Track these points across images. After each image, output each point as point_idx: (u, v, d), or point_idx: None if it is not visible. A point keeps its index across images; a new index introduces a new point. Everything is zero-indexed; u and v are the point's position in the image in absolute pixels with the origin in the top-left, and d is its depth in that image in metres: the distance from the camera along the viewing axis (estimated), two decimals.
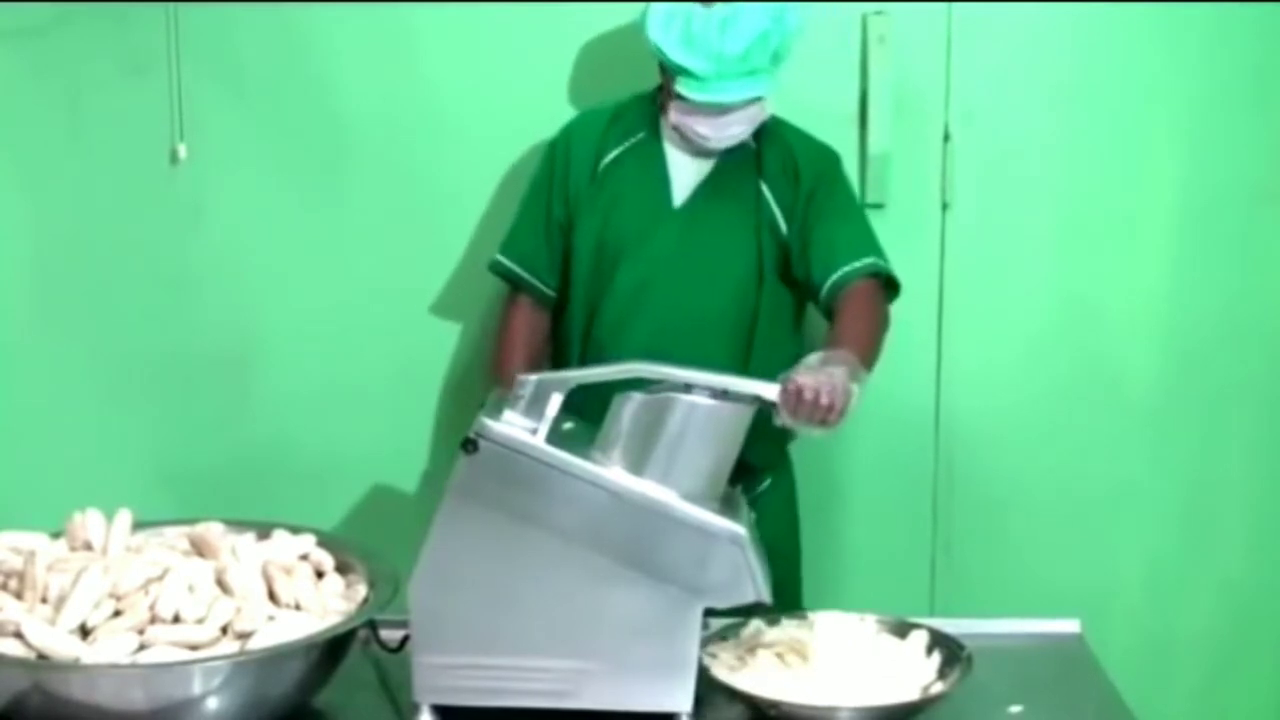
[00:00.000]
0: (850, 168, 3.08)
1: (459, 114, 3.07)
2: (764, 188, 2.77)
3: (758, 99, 2.68)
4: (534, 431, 2.11)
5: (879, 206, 3.09)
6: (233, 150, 3.12)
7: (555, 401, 2.18)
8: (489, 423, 2.09)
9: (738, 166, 2.77)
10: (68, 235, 3.16)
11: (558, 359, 2.87)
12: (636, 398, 2.12)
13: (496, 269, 2.89)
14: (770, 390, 2.13)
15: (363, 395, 3.19)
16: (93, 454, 3.18)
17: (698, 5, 2.65)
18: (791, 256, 2.76)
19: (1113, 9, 3.09)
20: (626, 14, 3.05)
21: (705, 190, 2.78)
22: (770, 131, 2.78)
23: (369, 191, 3.09)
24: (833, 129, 3.02)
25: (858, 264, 2.71)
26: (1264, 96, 3.15)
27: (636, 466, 2.09)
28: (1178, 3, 3.09)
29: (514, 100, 3.10)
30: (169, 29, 3.06)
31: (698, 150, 2.76)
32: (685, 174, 2.79)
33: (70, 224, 3.15)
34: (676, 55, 2.64)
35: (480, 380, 3.03)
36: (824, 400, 2.17)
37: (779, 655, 2.24)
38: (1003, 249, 3.16)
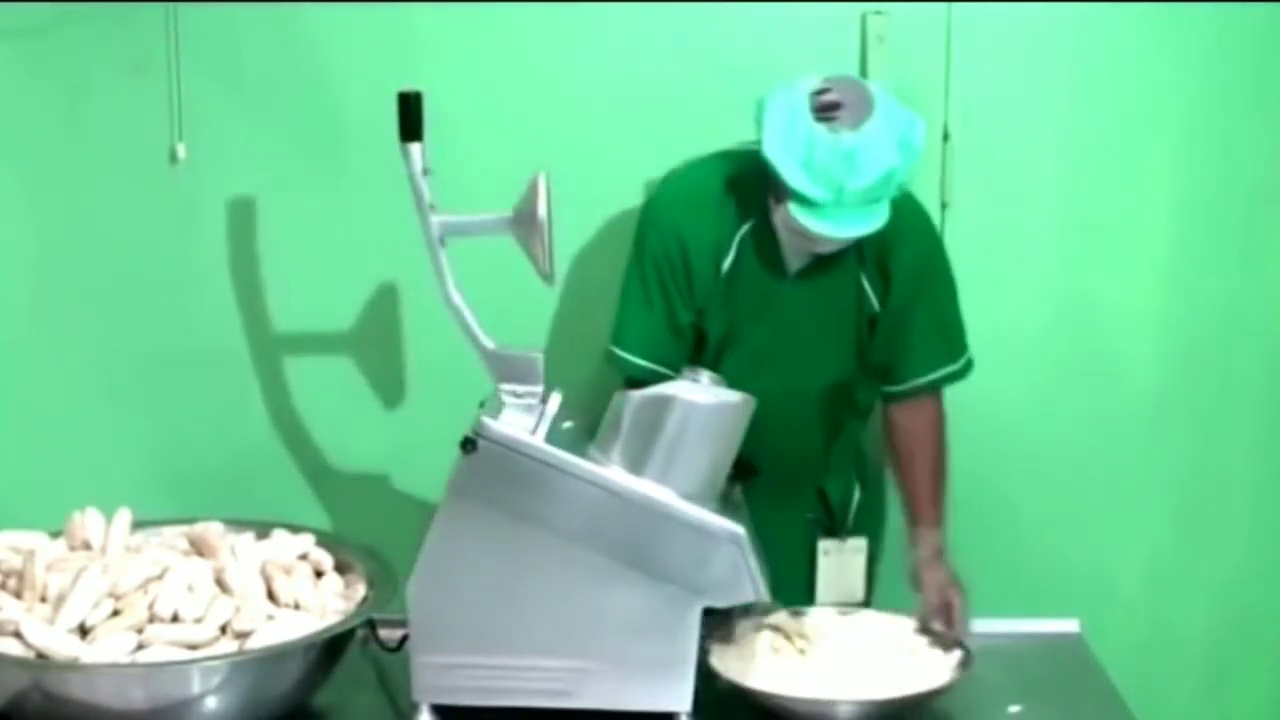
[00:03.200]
0: None
1: (459, 114, 3.07)
2: (861, 273, 2.67)
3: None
4: (533, 431, 2.11)
5: None
6: (233, 150, 3.12)
7: (555, 401, 2.18)
8: (488, 422, 2.09)
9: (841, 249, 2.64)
10: (67, 235, 3.15)
11: None
12: (635, 397, 2.12)
13: (631, 370, 2.67)
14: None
15: (363, 395, 3.19)
16: (92, 454, 3.18)
17: (822, 131, 2.43)
18: (876, 341, 2.72)
19: (1113, 9, 3.09)
20: (627, 14, 3.05)
21: (809, 270, 2.67)
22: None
23: (369, 191, 3.08)
24: None
25: (938, 374, 2.73)
26: (1264, 96, 3.14)
27: (635, 466, 2.10)
28: (1178, 2, 3.08)
29: (514, 100, 3.10)
30: (169, 29, 3.06)
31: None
32: (795, 252, 2.67)
33: (70, 224, 3.15)
34: (797, 182, 2.43)
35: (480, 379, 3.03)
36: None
37: (778, 650, 2.24)
38: (1002, 248, 3.15)
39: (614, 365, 2.71)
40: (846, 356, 2.74)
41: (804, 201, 2.44)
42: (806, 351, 2.72)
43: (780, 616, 2.33)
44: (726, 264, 2.65)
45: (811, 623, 2.32)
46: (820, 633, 2.28)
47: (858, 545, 2.78)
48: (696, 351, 2.70)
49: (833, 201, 2.43)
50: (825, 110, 2.44)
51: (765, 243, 2.64)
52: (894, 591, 2.79)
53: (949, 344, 2.75)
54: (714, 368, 2.38)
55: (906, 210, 2.63)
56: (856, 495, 2.87)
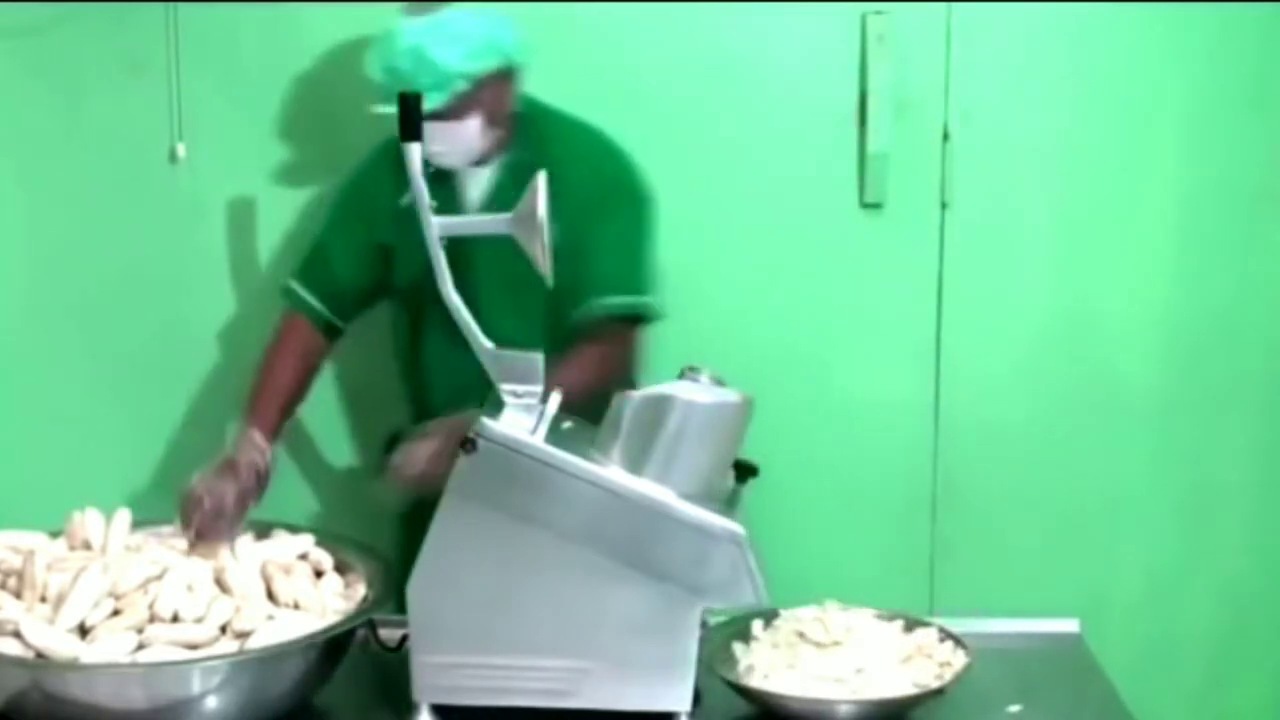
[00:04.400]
0: (849, 167, 3.08)
1: None
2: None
3: (445, 116, 2.60)
4: (533, 431, 2.11)
5: (878, 206, 3.10)
6: (232, 150, 3.12)
7: (554, 401, 2.18)
8: (488, 422, 2.09)
9: (514, 181, 2.65)
10: (67, 235, 3.16)
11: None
12: (635, 397, 2.12)
13: (296, 302, 2.87)
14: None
15: (363, 394, 3.19)
16: (92, 454, 3.18)
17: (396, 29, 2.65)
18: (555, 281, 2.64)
19: (1112, 9, 3.09)
20: (627, 14, 3.05)
21: (488, 207, 2.72)
22: (551, 140, 2.73)
23: None
24: (832, 129, 3.02)
25: (609, 301, 2.66)
26: (1264, 97, 3.14)
27: (635, 466, 2.09)
28: (1178, 3, 3.08)
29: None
30: (169, 29, 3.06)
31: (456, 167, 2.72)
32: (472, 190, 2.76)
33: (69, 223, 3.15)
34: (373, 71, 2.66)
35: None
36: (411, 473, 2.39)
37: (778, 648, 2.24)
38: (1001, 249, 3.16)
39: (289, 298, 2.86)
40: (539, 314, 2.71)
41: (381, 92, 2.62)
42: (501, 317, 2.59)
43: (781, 612, 2.33)
44: (406, 198, 2.64)
45: (816, 621, 2.31)
46: (823, 630, 2.28)
47: None
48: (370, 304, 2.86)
49: (385, 83, 2.61)
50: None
51: (443, 184, 2.67)
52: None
53: (624, 278, 2.70)
54: (414, 345, 2.72)
55: (578, 142, 2.74)
56: None
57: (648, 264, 2.75)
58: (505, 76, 2.70)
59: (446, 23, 2.63)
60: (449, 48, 2.60)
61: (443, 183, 2.69)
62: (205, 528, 2.35)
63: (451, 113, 2.63)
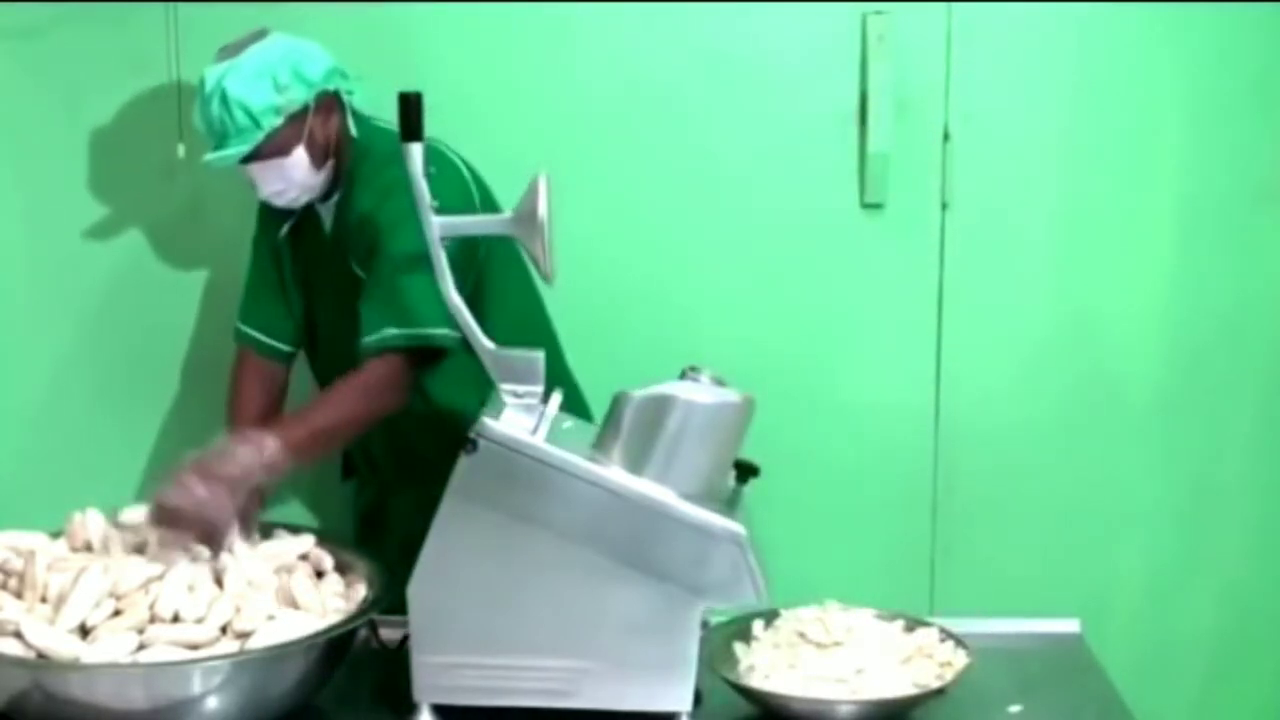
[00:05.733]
0: (850, 167, 3.08)
1: (458, 114, 3.06)
2: (350, 258, 2.67)
3: (263, 156, 2.60)
4: (533, 431, 2.11)
5: (878, 206, 3.10)
6: None
7: (555, 401, 2.18)
8: (489, 422, 2.09)
9: (344, 214, 2.72)
10: (67, 235, 3.15)
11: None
12: (635, 397, 2.12)
13: (242, 338, 2.90)
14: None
15: None
16: (92, 454, 3.18)
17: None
18: None
19: (1113, 9, 3.09)
20: (627, 14, 3.05)
21: (336, 241, 2.72)
22: (357, 179, 2.69)
23: None
24: (832, 129, 3.02)
25: (370, 339, 2.53)
26: (1265, 97, 3.14)
27: (636, 466, 2.09)
28: (1179, 3, 3.08)
29: (514, 101, 3.10)
30: (169, 29, 3.06)
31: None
32: (326, 221, 2.76)
33: (70, 224, 3.15)
34: (196, 120, 2.67)
35: None
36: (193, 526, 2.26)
37: (779, 647, 2.24)
38: (1002, 249, 3.16)
39: (237, 337, 2.89)
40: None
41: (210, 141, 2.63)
42: (348, 335, 2.63)
43: (781, 612, 2.33)
44: (284, 230, 2.78)
45: (816, 621, 2.31)
46: (824, 630, 2.28)
47: None
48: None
49: (206, 132, 2.63)
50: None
51: (312, 230, 2.76)
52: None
53: (380, 310, 2.54)
54: (319, 373, 2.77)
55: (372, 164, 2.67)
56: None
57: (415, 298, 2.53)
58: (324, 106, 2.66)
59: (245, 62, 2.60)
60: (251, 86, 2.58)
61: (310, 219, 2.76)
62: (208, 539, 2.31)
63: (272, 150, 2.60)
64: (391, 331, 2.52)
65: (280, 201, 2.68)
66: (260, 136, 2.58)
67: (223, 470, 2.30)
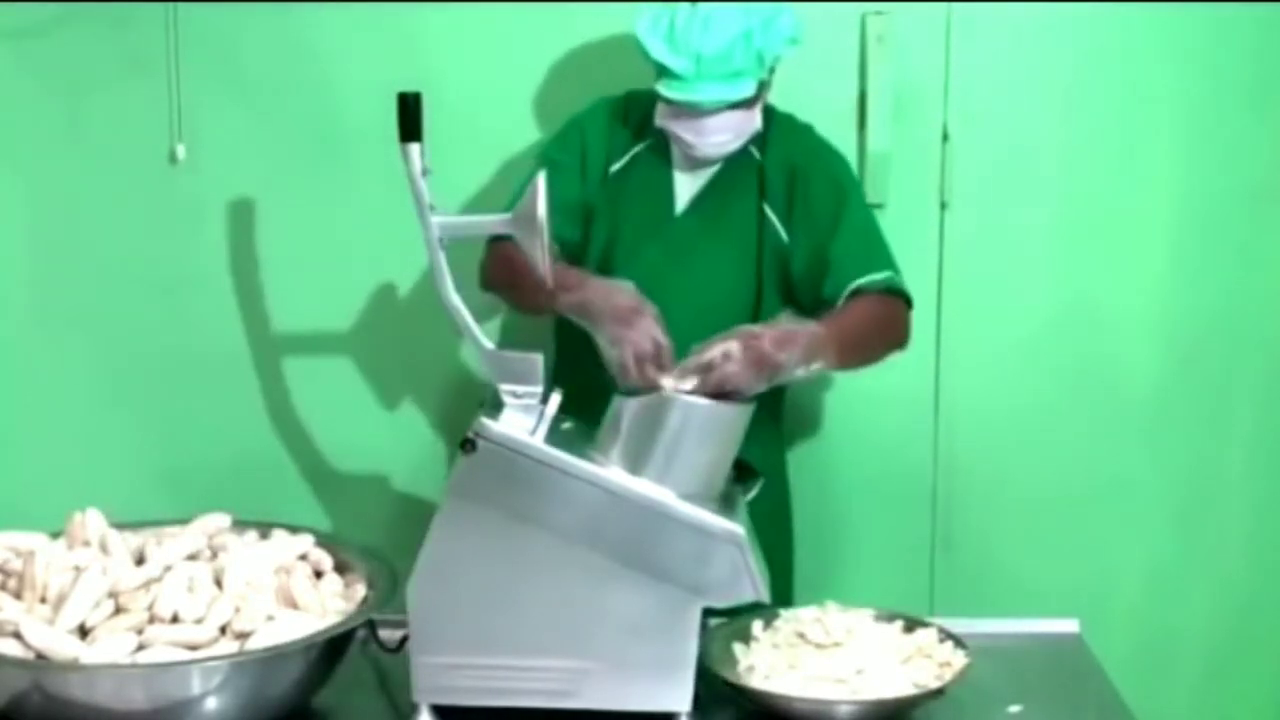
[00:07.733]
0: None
1: (459, 114, 3.07)
2: (766, 204, 2.71)
3: (743, 105, 2.61)
4: (533, 431, 2.11)
5: (878, 206, 3.09)
6: (232, 150, 3.12)
7: (554, 401, 2.18)
8: (488, 423, 2.09)
9: (740, 179, 2.72)
10: (67, 235, 3.16)
11: (562, 358, 2.83)
12: (635, 397, 2.12)
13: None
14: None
15: (363, 394, 3.20)
16: (92, 454, 3.18)
17: (684, 4, 2.60)
18: (795, 272, 2.69)
19: (1112, 9, 3.09)
20: (629, 14, 3.05)
21: (704, 201, 2.73)
22: (776, 142, 2.73)
23: (369, 191, 3.09)
24: (832, 129, 3.01)
25: (875, 277, 2.60)
26: (1264, 96, 3.15)
27: (635, 466, 2.10)
28: (1178, 3, 3.09)
29: (514, 101, 3.10)
30: (169, 29, 3.06)
31: (691, 159, 2.70)
32: (687, 183, 2.75)
33: (69, 224, 3.15)
34: (658, 53, 2.58)
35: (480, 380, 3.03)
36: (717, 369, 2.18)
37: (778, 648, 2.24)
38: (1002, 249, 3.16)
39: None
40: (745, 291, 2.72)
41: (668, 74, 2.58)
42: (701, 286, 2.69)
43: (780, 613, 2.33)
44: (616, 166, 2.75)
45: (815, 621, 2.31)
46: (823, 631, 2.28)
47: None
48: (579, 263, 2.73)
49: (694, 73, 2.56)
50: None
51: (658, 168, 2.73)
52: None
53: (885, 254, 2.66)
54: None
55: (806, 135, 2.75)
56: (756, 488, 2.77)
57: (885, 244, 2.69)
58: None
59: (761, 9, 2.59)
60: (770, 35, 2.59)
61: (655, 174, 2.74)
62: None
63: (750, 101, 2.62)
64: (893, 276, 2.61)
65: (717, 152, 2.66)
66: (754, 84, 2.59)
67: (779, 352, 2.24)
